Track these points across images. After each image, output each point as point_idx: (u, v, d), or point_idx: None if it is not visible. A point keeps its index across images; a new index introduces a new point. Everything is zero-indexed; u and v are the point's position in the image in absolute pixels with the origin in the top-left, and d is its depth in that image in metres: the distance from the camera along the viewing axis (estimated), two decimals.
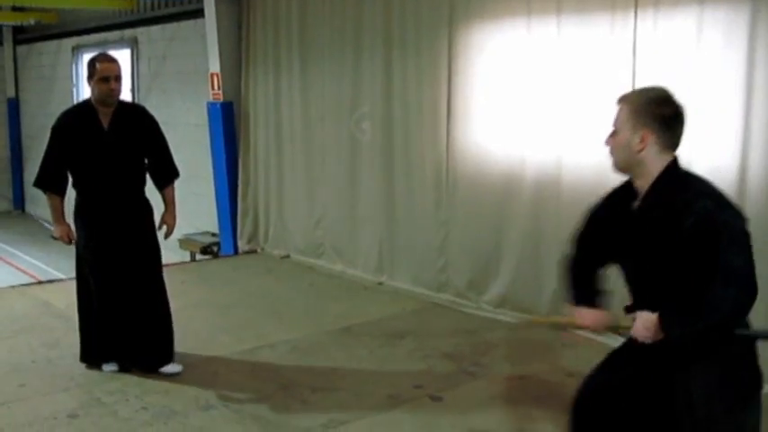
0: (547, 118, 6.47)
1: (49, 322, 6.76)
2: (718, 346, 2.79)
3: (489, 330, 6.58)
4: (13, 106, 17.32)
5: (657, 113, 2.78)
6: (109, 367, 5.47)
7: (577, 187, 6.24)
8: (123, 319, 5.34)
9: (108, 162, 5.29)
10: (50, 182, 5.43)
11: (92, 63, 5.19)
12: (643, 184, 2.87)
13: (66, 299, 7.44)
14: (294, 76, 8.87)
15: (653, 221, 2.82)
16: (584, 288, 3.18)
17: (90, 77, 5.18)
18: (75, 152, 5.30)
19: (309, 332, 6.46)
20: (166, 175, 5.60)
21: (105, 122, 5.28)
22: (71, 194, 5.42)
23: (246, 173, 9.66)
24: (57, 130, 5.32)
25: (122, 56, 13.12)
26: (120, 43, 13.27)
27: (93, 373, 5.47)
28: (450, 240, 7.39)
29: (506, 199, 6.84)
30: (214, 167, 9.89)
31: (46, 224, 15.95)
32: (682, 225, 2.69)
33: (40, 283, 9.19)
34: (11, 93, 17.29)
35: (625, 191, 2.99)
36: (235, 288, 7.92)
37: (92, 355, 5.51)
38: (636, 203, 2.90)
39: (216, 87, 9.59)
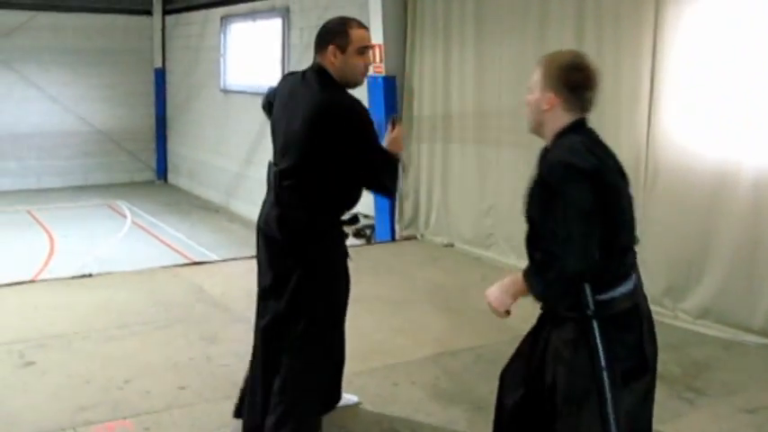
0: None
1: (204, 311, 6.25)
2: (576, 311, 2.81)
3: (695, 346, 5.69)
4: (160, 76, 17.30)
5: (565, 78, 2.87)
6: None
7: None
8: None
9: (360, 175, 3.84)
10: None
11: (340, 29, 3.72)
12: (548, 145, 2.95)
13: (220, 284, 6.99)
14: (467, 49, 8.09)
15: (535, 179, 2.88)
16: None
17: (340, 48, 3.66)
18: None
19: (492, 338, 5.67)
20: None
21: None
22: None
23: (407, 153, 8.95)
24: (367, 114, 3.75)
25: (272, 26, 12.69)
26: (270, 13, 12.85)
27: None
28: (645, 239, 6.34)
29: (718, 198, 5.90)
30: None
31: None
32: (539, 176, 2.83)
33: (191, 264, 8.76)
34: (158, 63, 17.27)
35: None
36: (400, 280, 7.24)
37: None
38: None
39: (378, 60, 8.92)
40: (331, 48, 3.67)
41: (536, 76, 2.93)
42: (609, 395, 2.77)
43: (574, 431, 2.83)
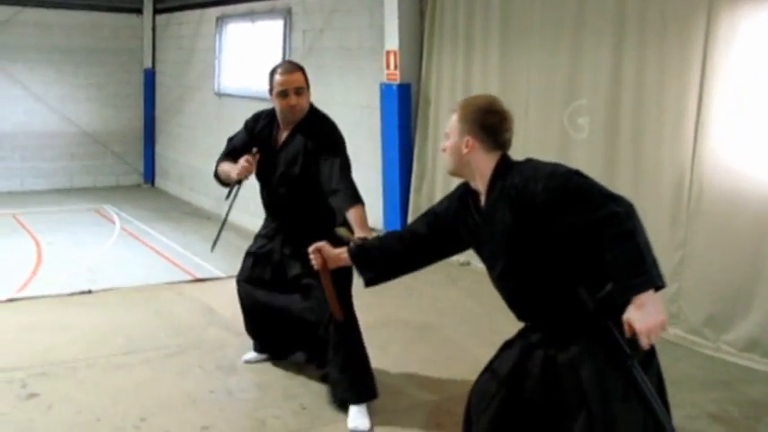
0: None
1: (217, 336, 5.80)
2: (588, 323, 2.81)
3: (747, 383, 5.30)
4: (149, 77, 16.77)
5: (481, 121, 2.98)
6: None
7: None
8: None
9: (274, 189, 4.84)
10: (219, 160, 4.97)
11: (271, 74, 4.60)
12: (479, 185, 3.04)
13: (230, 305, 6.47)
14: (491, 57, 7.68)
15: (502, 216, 2.92)
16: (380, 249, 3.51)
17: (270, 90, 4.61)
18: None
19: None
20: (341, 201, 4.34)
21: (280, 140, 4.69)
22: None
23: (422, 165, 8.54)
24: (247, 124, 4.90)
25: (273, 27, 12.24)
26: (270, 14, 12.36)
27: (288, 417, 4.46)
28: (686, 265, 6.09)
29: None
30: (383, 157, 8.82)
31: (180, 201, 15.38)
32: (533, 195, 2.80)
33: (196, 280, 8.29)
34: (147, 63, 16.74)
35: (470, 192, 3.12)
36: (421, 301, 6.82)
37: None
38: (481, 205, 3.05)
39: (392, 67, 8.50)
40: (269, 88, 4.61)
41: (452, 122, 3.07)
42: (643, 384, 2.74)
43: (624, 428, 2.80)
